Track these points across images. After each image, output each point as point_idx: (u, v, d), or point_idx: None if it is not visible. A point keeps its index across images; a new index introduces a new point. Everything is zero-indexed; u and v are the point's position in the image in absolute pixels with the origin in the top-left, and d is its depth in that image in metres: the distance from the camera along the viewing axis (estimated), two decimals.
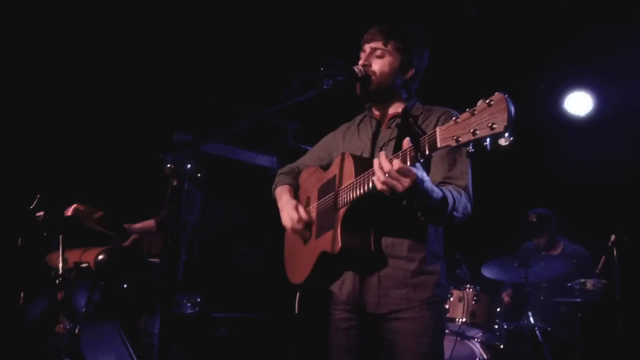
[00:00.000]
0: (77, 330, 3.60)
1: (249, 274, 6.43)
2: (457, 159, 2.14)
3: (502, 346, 4.41)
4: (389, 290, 2.15)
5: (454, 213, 1.98)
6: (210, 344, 5.52)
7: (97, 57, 5.10)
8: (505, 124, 1.49)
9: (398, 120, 2.22)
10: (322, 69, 2.06)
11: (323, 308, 2.40)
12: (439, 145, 1.68)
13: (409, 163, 1.80)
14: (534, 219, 5.02)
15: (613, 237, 4.47)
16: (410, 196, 1.87)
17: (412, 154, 1.78)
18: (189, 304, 5.27)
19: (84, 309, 3.98)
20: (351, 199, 2.05)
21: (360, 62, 2.28)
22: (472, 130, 1.56)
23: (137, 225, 4.47)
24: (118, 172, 5.43)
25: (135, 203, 4.91)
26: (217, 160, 6.15)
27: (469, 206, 2.08)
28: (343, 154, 2.20)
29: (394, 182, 1.81)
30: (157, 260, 4.44)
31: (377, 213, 2.11)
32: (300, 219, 2.29)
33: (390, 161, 1.82)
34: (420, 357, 2.09)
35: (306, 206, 2.41)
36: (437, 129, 1.69)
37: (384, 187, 1.84)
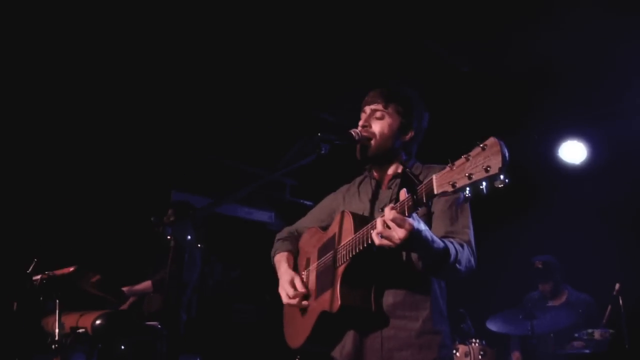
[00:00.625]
0: None
1: (249, 332, 6.30)
2: (458, 215, 2.13)
3: None
4: (392, 352, 2.06)
5: (457, 265, 1.95)
6: None
7: (92, 116, 5.18)
8: (500, 165, 1.51)
9: (398, 181, 2.21)
10: (319, 134, 2.07)
11: None
12: (435, 191, 1.67)
13: (407, 213, 1.78)
14: (540, 265, 4.97)
15: (618, 285, 4.41)
16: (409, 247, 1.85)
17: (410, 203, 1.77)
18: None
19: None
20: (351, 256, 2.02)
21: (361, 122, 2.31)
22: (467, 174, 1.57)
23: (135, 288, 4.42)
24: (114, 234, 5.40)
25: (133, 264, 4.87)
26: (214, 217, 6.13)
27: (472, 260, 2.05)
28: (343, 212, 2.19)
29: (391, 233, 1.79)
30: (155, 323, 4.36)
31: (378, 270, 2.07)
32: (295, 295, 2.24)
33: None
34: None
35: (306, 267, 2.36)
36: (434, 176, 1.69)
37: (382, 241, 1.81)
